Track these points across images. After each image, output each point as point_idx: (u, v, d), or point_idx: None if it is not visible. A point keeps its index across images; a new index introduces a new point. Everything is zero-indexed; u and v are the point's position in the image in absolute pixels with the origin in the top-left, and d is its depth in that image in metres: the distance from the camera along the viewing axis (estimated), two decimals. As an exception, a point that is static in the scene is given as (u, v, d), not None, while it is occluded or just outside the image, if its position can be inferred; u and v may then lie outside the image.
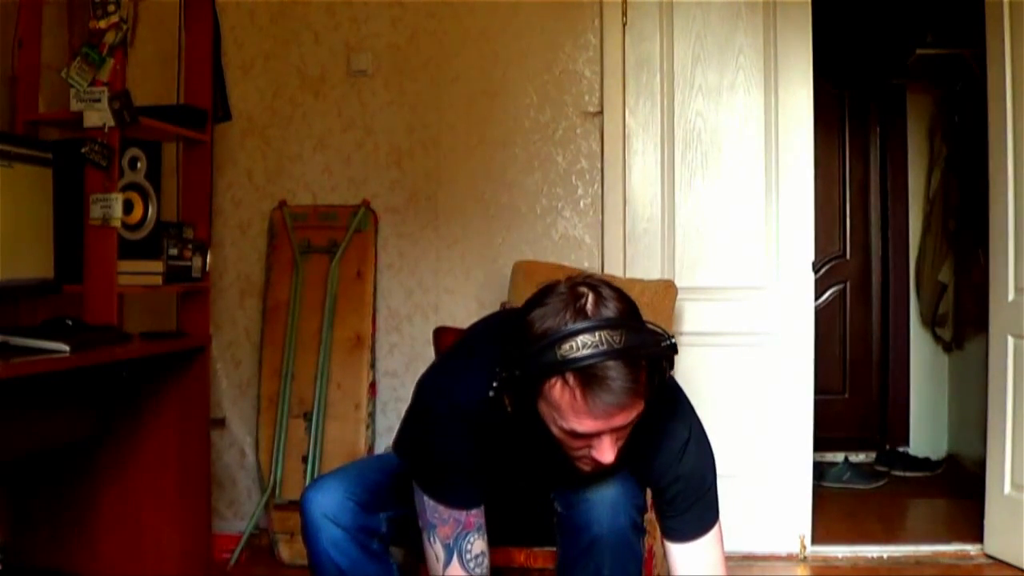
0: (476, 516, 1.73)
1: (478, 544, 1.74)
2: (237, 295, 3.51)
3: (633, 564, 1.79)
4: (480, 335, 1.85)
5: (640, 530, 1.79)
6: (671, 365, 1.58)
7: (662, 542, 1.79)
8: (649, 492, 1.81)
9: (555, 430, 1.56)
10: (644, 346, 1.51)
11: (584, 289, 1.54)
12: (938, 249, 4.54)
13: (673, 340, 1.56)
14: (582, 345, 1.46)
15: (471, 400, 1.63)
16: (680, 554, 1.76)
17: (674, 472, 1.72)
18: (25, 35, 2.63)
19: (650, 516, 1.83)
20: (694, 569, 1.75)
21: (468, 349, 1.82)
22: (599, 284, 1.56)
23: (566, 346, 1.46)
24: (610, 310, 1.51)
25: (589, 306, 1.51)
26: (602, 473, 1.65)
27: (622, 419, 1.51)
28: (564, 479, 1.74)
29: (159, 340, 2.76)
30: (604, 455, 1.55)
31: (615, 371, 1.46)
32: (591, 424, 1.51)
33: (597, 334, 1.46)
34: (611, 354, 1.46)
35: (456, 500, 1.71)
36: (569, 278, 1.59)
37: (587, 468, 1.62)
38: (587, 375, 1.47)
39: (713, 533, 1.76)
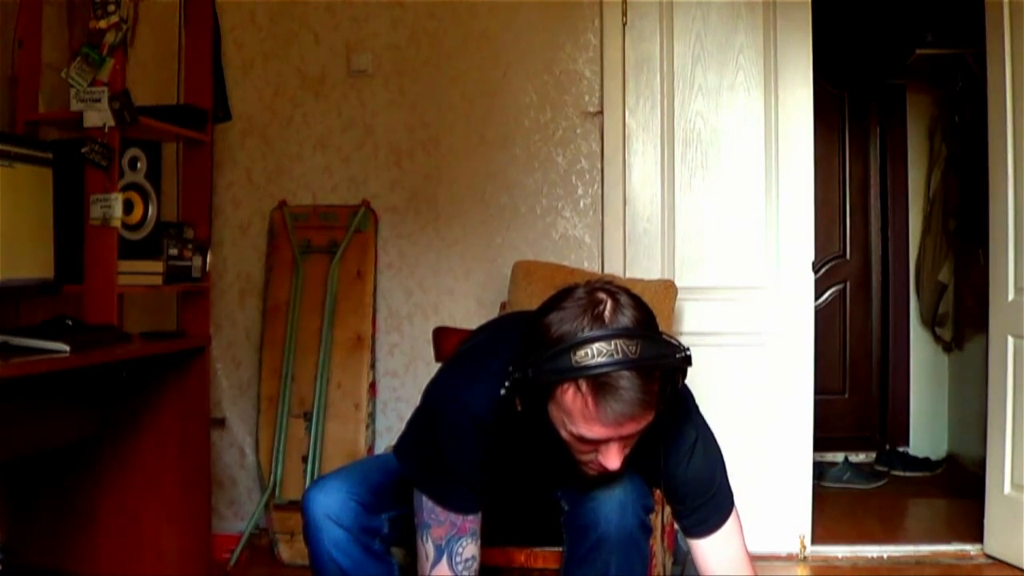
0: (472, 522, 1.73)
1: (470, 548, 1.73)
2: (237, 295, 3.51)
3: (640, 564, 1.79)
4: (492, 340, 1.84)
5: (648, 530, 1.80)
6: (684, 376, 1.58)
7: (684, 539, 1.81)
8: (660, 491, 1.82)
9: (564, 434, 1.56)
10: (659, 358, 1.51)
11: (603, 295, 1.53)
12: (938, 249, 4.54)
13: (688, 352, 1.55)
14: (597, 353, 1.46)
15: (484, 407, 1.63)
16: (701, 548, 1.78)
17: (683, 473, 1.73)
18: (25, 35, 2.62)
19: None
20: (717, 561, 1.77)
21: (480, 355, 1.80)
22: (618, 291, 1.55)
23: (581, 352, 1.46)
24: (627, 318, 1.51)
25: (607, 313, 1.50)
26: (607, 475, 1.65)
27: (631, 428, 1.52)
28: (570, 479, 1.74)
29: (159, 340, 2.75)
30: (610, 462, 1.56)
31: (628, 381, 1.46)
32: (600, 431, 1.51)
33: (613, 343, 1.46)
34: (626, 364, 1.46)
35: (456, 505, 1.71)
36: (588, 282, 1.58)
37: (593, 472, 1.63)
38: (600, 383, 1.46)
39: (730, 525, 1.79)
